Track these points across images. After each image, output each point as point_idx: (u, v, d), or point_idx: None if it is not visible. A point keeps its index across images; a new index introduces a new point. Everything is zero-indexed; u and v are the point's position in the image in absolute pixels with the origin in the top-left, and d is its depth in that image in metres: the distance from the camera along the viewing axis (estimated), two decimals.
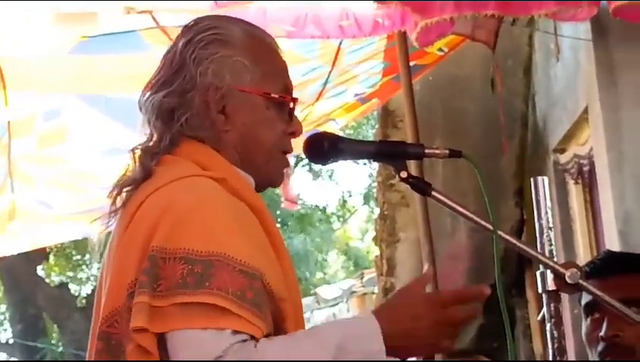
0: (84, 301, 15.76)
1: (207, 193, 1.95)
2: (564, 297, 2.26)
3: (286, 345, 1.85)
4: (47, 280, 16.37)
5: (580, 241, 6.01)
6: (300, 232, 19.88)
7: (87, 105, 4.98)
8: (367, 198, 20.25)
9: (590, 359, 2.80)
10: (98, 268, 2.19)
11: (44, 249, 13.47)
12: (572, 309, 4.88)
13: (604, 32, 4.95)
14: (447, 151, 2.10)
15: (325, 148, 2.09)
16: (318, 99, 5.47)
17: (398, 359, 1.91)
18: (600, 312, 2.74)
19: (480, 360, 6.89)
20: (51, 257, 16.14)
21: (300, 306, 2.04)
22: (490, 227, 2.05)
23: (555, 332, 2.19)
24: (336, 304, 13.11)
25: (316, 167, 18.29)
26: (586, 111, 5.32)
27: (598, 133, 5.04)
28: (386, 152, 2.13)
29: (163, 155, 2.05)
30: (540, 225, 2.21)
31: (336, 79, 5.39)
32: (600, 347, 2.74)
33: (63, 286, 16.48)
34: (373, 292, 11.53)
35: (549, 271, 2.13)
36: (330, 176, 20.60)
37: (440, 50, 5.34)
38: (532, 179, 2.24)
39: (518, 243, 2.13)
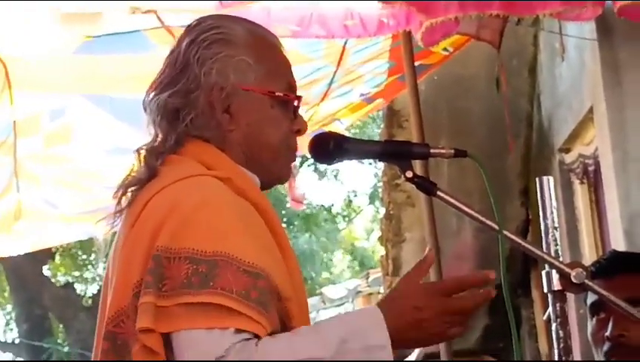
0: (89, 301, 15.78)
1: (212, 193, 1.95)
2: (570, 297, 2.26)
3: (289, 341, 1.85)
4: (53, 280, 16.39)
5: (586, 241, 6.00)
6: (305, 232, 19.89)
7: (93, 105, 4.98)
8: (372, 198, 20.25)
9: (596, 359, 2.80)
10: (104, 268, 2.19)
11: (49, 249, 13.47)
12: (578, 309, 4.87)
13: (610, 32, 4.94)
14: (452, 151, 2.09)
15: (331, 148, 2.09)
16: (323, 99, 5.46)
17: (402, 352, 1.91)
18: (606, 312, 2.74)
19: (486, 360, 6.89)
20: (57, 257, 16.14)
21: (305, 306, 2.04)
22: (496, 227, 2.05)
23: (560, 332, 2.19)
24: (342, 304, 13.12)
25: (321, 166, 18.29)
26: (591, 110, 5.32)
27: (604, 133, 5.03)
28: (392, 152, 2.12)
29: (168, 155, 2.04)
30: (546, 225, 2.21)
31: (342, 79, 5.38)
32: (606, 347, 2.74)
33: (69, 286, 16.49)
34: (378, 292, 11.53)
35: (554, 271, 2.13)
36: (335, 176, 20.58)
37: (445, 49, 5.33)
38: (537, 179, 2.24)
39: (524, 243, 2.12)
